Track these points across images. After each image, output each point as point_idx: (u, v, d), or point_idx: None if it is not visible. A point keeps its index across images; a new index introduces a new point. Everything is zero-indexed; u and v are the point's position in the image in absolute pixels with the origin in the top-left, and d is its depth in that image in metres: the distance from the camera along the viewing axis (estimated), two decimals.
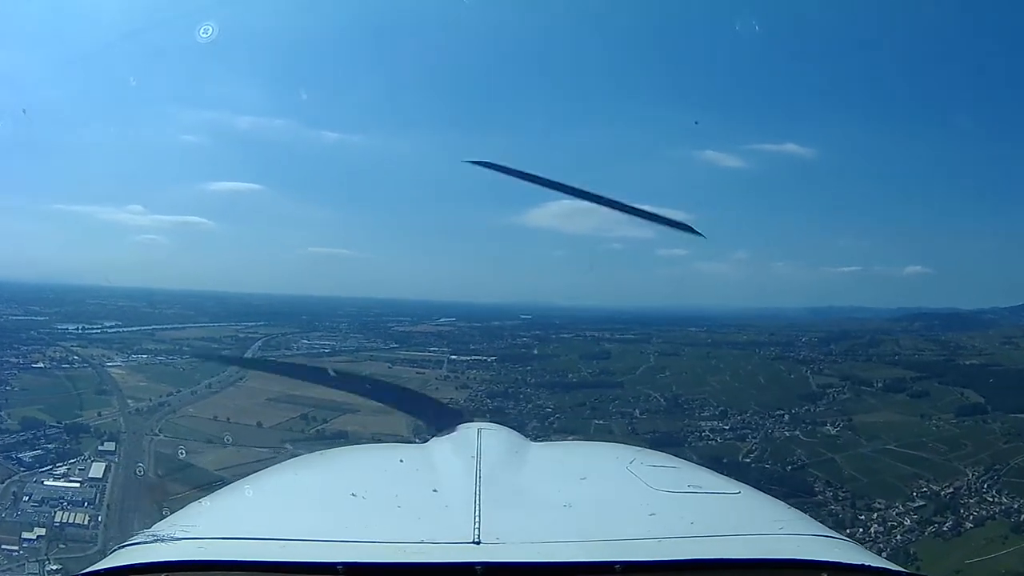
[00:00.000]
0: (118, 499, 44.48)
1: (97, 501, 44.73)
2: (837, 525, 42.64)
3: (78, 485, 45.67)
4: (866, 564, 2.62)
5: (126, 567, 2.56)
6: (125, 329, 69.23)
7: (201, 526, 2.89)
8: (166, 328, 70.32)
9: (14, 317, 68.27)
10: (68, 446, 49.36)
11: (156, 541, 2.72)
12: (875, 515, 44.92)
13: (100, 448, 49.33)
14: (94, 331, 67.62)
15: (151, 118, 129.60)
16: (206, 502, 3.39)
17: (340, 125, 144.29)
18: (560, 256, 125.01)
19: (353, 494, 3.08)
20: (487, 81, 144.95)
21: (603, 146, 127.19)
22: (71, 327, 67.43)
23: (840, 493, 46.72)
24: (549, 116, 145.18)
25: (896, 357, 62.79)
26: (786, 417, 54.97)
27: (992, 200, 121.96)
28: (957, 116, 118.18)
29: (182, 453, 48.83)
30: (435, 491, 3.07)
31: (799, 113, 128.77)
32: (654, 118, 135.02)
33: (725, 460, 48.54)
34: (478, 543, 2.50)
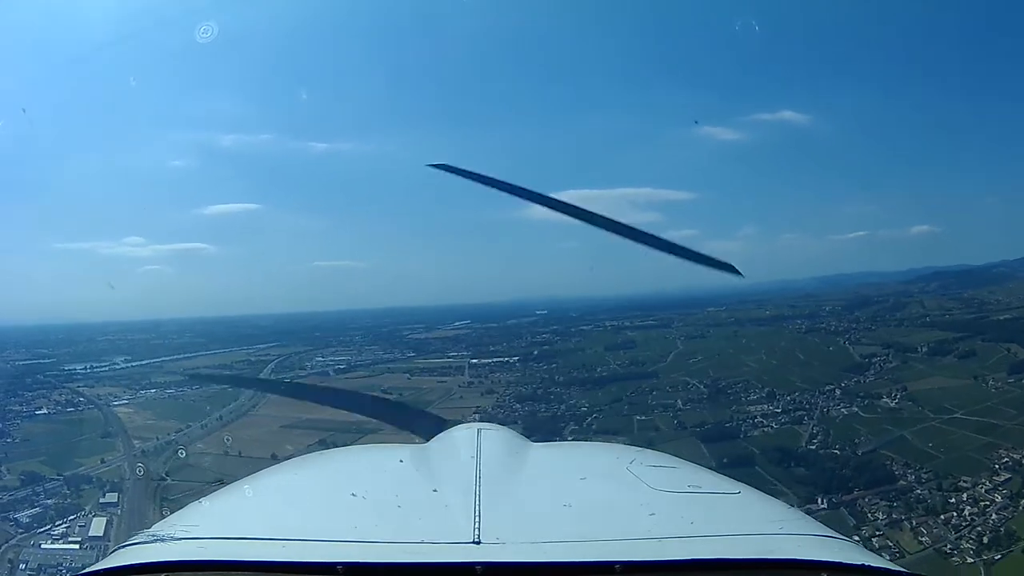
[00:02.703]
0: None
1: None
2: (928, 512, 37.23)
3: (77, 547, 39.28)
4: (866, 564, 2.52)
5: (126, 567, 2.46)
6: (134, 364, 62.55)
7: (201, 526, 2.77)
8: (176, 358, 64.02)
9: (20, 362, 61.69)
10: (69, 500, 42.90)
11: (156, 541, 2.62)
12: (964, 495, 38.74)
13: (101, 501, 42.93)
14: (103, 369, 61.38)
15: (141, 145, 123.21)
16: (206, 502, 3.26)
17: (331, 134, 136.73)
18: (568, 247, 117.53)
19: (353, 494, 2.97)
20: (479, 75, 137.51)
21: (598, 130, 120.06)
22: (79, 367, 61.11)
23: (922, 475, 40.25)
24: (544, 105, 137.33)
25: (926, 319, 56.99)
26: (837, 392, 48.70)
27: (994, 153, 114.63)
28: (953, 71, 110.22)
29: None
30: (435, 491, 2.95)
31: (792, 78, 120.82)
32: (645, 98, 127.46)
33: (791, 449, 42.09)
34: (478, 543, 2.40)
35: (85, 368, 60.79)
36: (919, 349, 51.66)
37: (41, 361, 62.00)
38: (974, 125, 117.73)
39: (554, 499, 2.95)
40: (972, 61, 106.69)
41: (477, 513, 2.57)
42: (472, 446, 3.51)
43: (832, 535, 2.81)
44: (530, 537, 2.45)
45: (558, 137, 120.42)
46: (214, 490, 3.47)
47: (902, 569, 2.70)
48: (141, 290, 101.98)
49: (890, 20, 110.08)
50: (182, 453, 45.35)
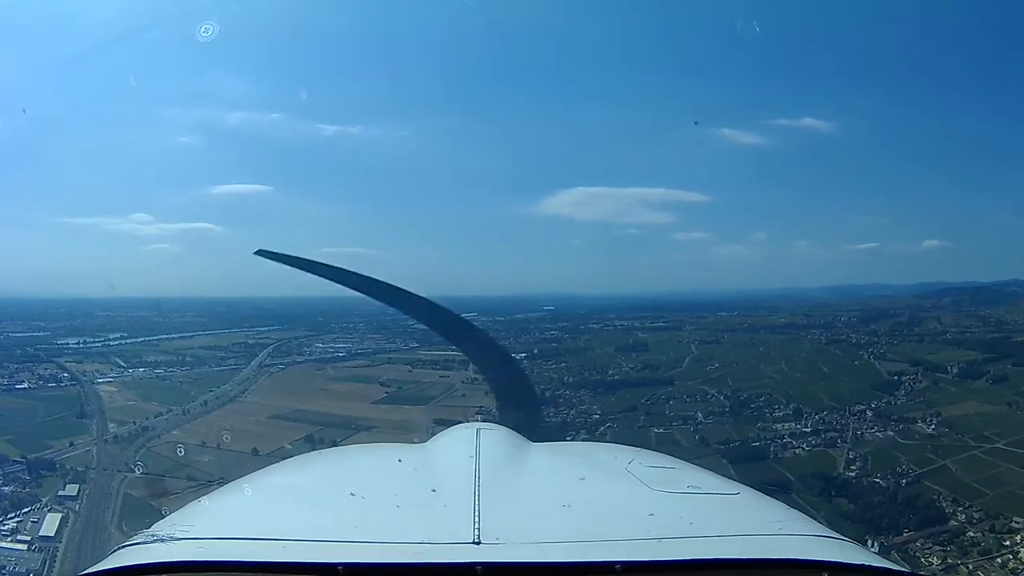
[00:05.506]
0: (70, 571, 33.51)
1: (44, 574, 33.05)
2: (984, 555, 31.55)
3: (25, 547, 34.25)
4: (866, 564, 2.43)
5: (126, 568, 2.36)
6: (129, 340, 58.12)
7: (201, 526, 2.66)
8: (173, 337, 59.57)
9: (15, 334, 57.53)
10: (27, 489, 38.11)
11: (156, 541, 2.51)
12: (1018, 537, 33.81)
13: (60, 492, 38.01)
14: (96, 344, 56.86)
15: (149, 122, 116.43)
16: (205, 502, 3.10)
17: (344, 118, 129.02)
18: (577, 244, 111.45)
19: (352, 494, 2.80)
20: (492, 64, 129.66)
21: (613, 127, 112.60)
22: (72, 341, 56.86)
23: (974, 514, 35.03)
24: (557, 98, 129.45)
25: (946, 335, 51.63)
26: (869, 413, 43.46)
27: (1009, 169, 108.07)
28: (974, 86, 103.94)
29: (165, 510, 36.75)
30: (434, 491, 2.78)
31: (816, 85, 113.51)
32: (665, 96, 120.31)
33: (828, 476, 37.02)
34: (478, 543, 2.30)
35: (78, 343, 56.49)
36: (949, 369, 46.60)
37: (36, 334, 57.67)
38: (992, 140, 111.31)
39: (553, 499, 2.79)
40: (994, 77, 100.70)
41: (476, 513, 2.44)
42: (471, 446, 3.28)
43: (832, 535, 2.64)
44: (530, 537, 2.35)
45: (572, 131, 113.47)
46: (211, 489, 3.22)
47: (902, 569, 2.60)
48: (146, 267, 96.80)
49: (914, 34, 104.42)
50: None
